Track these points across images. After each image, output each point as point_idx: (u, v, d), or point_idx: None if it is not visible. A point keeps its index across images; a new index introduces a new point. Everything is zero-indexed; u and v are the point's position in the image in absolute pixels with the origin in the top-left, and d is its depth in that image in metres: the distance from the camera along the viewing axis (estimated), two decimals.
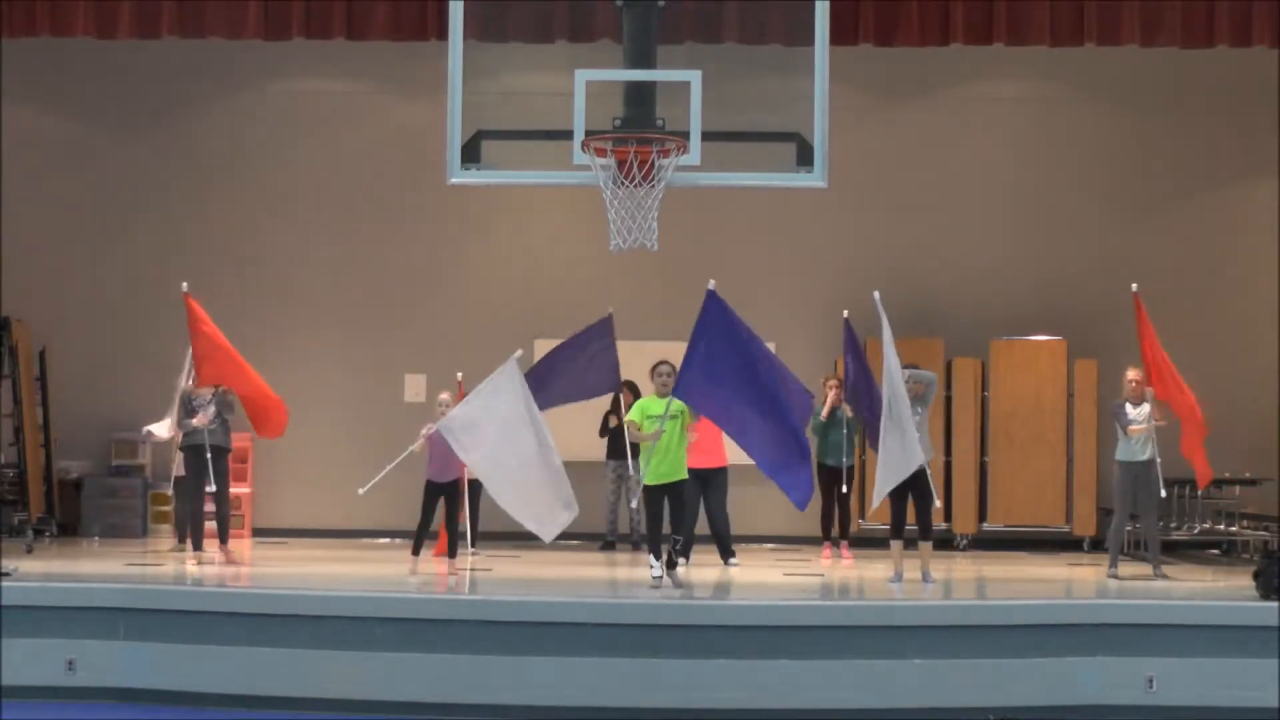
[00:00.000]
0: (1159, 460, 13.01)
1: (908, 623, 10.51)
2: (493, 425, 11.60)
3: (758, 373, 11.60)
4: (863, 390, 14.01)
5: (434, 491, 12.93)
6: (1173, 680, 10.36)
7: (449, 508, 12.99)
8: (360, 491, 12.32)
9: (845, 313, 14.43)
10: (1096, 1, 14.61)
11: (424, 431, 12.79)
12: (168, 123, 17.51)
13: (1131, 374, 13.21)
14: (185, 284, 13.49)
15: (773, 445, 11.56)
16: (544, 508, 11.55)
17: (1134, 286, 12.85)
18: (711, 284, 11.50)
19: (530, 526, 11.63)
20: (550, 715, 10.18)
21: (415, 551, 12.99)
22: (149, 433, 15.04)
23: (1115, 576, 12.99)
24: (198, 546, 13.71)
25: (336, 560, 14.15)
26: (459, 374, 14.13)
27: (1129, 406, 13.16)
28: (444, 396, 13.09)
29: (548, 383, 14.20)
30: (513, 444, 11.59)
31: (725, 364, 11.43)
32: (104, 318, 17.14)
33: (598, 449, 16.01)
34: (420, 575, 12.44)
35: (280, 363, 17.19)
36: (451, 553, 13.04)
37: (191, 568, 13.21)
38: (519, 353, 11.88)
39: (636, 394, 14.78)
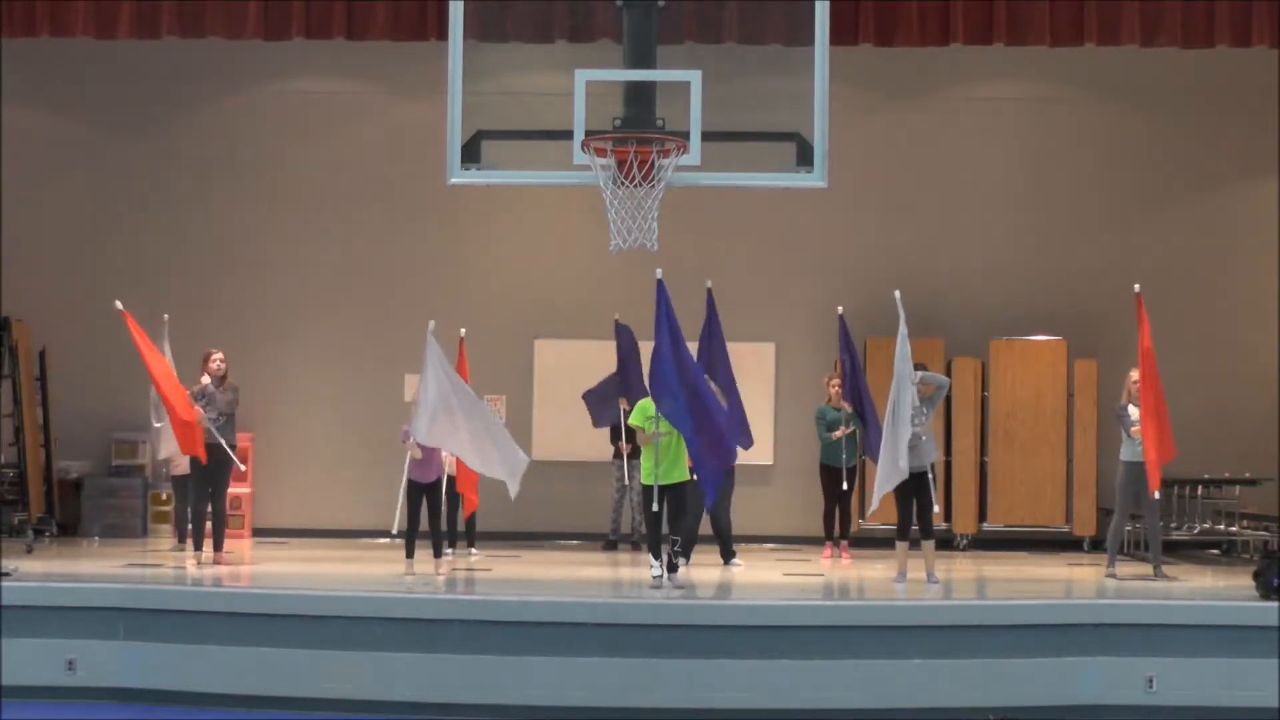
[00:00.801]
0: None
1: (908, 623, 10.52)
2: (446, 404, 12.21)
3: (686, 367, 11.67)
4: (861, 388, 14.11)
5: (417, 492, 12.88)
6: (1173, 680, 10.37)
7: (432, 508, 12.93)
8: (395, 532, 12.55)
9: (840, 309, 14.48)
10: (1096, 1, 14.61)
11: (402, 439, 12.77)
12: (168, 123, 17.50)
13: (1134, 375, 13.19)
14: (119, 302, 13.30)
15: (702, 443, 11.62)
16: (510, 461, 12.31)
17: (1136, 287, 12.84)
18: (658, 273, 11.57)
19: (508, 482, 12.29)
20: (550, 715, 10.19)
21: (409, 554, 12.90)
22: (169, 460, 14.95)
23: (1113, 576, 12.99)
24: (198, 546, 13.68)
25: (336, 560, 14.14)
26: (462, 330, 14.13)
27: (1131, 408, 13.15)
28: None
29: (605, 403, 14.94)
30: (468, 413, 12.29)
31: (664, 356, 11.53)
32: (104, 318, 17.01)
33: (599, 449, 16.01)
34: (416, 577, 12.39)
35: (280, 362, 17.24)
36: (437, 552, 12.99)
37: (192, 568, 13.19)
38: (431, 324, 12.33)
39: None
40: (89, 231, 17.48)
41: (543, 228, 17.37)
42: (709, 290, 12.46)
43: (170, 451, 14.45)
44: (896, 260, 17.26)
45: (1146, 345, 12.72)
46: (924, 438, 12.38)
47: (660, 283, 11.61)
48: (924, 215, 17.45)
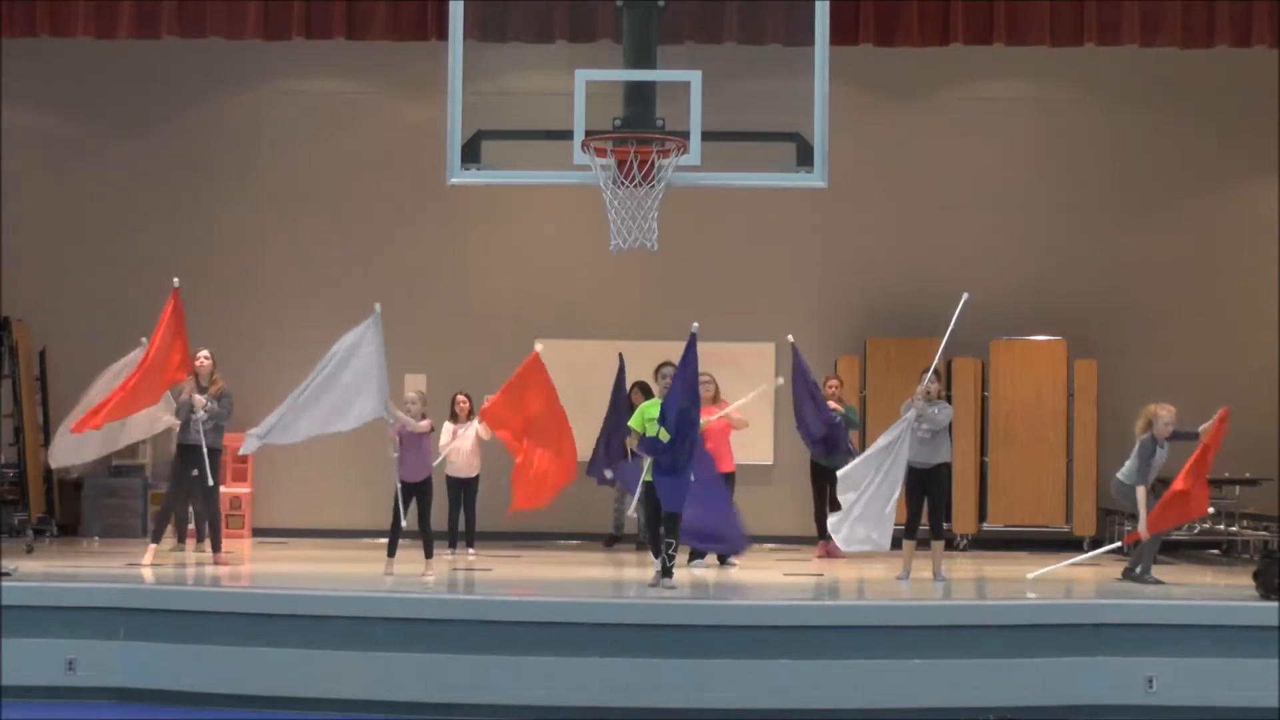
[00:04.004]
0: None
1: (908, 623, 10.51)
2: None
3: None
4: (808, 415, 14.11)
5: (407, 491, 12.84)
6: (1173, 680, 10.36)
7: (421, 507, 12.89)
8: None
9: (790, 337, 14.50)
10: (1096, 1, 14.61)
11: (396, 431, 12.77)
12: (167, 122, 17.51)
13: (1166, 415, 12.75)
14: (176, 279, 13.46)
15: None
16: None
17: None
18: (694, 327, 11.70)
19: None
20: (550, 715, 10.18)
21: (391, 553, 12.82)
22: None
23: (1156, 581, 12.59)
24: (181, 540, 13.57)
25: (336, 560, 14.14)
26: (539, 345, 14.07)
27: (1159, 450, 12.76)
28: (412, 395, 13.12)
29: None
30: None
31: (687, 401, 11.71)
32: (104, 318, 17.12)
33: None
34: (395, 577, 12.30)
35: (279, 362, 17.21)
36: (428, 553, 12.94)
37: (147, 561, 13.03)
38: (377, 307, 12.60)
39: (648, 394, 14.78)
40: (89, 231, 17.48)
41: (543, 228, 17.36)
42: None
43: (66, 459, 14.21)
44: (896, 260, 17.27)
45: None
46: (930, 436, 12.39)
47: (693, 335, 11.70)
48: (924, 215, 17.45)
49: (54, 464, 14.30)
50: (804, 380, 14.44)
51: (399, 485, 12.71)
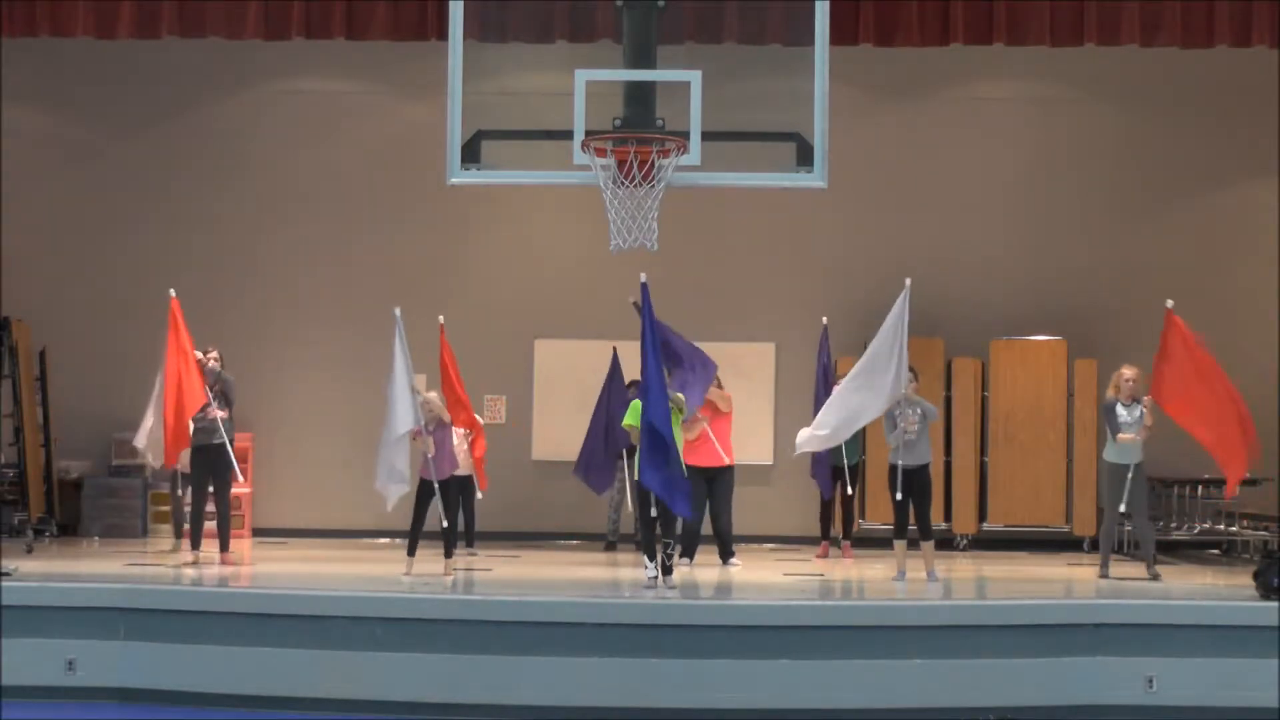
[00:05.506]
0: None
1: (908, 623, 10.51)
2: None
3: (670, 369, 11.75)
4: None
5: (427, 490, 12.85)
6: (1173, 680, 10.36)
7: (445, 505, 12.90)
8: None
9: (825, 319, 14.60)
10: (1096, 1, 14.62)
11: (415, 434, 12.79)
12: (168, 123, 17.51)
13: (1128, 372, 13.06)
14: (173, 290, 13.39)
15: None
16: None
17: (1169, 303, 12.72)
18: (643, 278, 11.55)
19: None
20: (550, 715, 10.19)
21: (411, 552, 12.87)
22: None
23: (1106, 577, 12.91)
24: (196, 545, 13.61)
25: (336, 560, 14.14)
26: (440, 317, 14.06)
27: (1120, 408, 13.01)
28: (433, 394, 13.13)
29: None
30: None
31: (649, 361, 11.55)
32: (104, 318, 17.15)
33: None
34: (415, 576, 12.36)
35: (280, 361, 17.25)
36: (448, 552, 12.97)
37: (188, 569, 13.11)
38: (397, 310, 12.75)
39: None
40: (89, 231, 17.48)
41: (543, 228, 17.37)
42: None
43: (151, 449, 14.34)
44: (896, 260, 17.21)
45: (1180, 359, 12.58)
46: (910, 436, 12.39)
47: (644, 287, 11.58)
48: (924, 215, 17.45)
49: (163, 461, 13.93)
50: (824, 371, 14.52)
51: (419, 484, 12.73)
